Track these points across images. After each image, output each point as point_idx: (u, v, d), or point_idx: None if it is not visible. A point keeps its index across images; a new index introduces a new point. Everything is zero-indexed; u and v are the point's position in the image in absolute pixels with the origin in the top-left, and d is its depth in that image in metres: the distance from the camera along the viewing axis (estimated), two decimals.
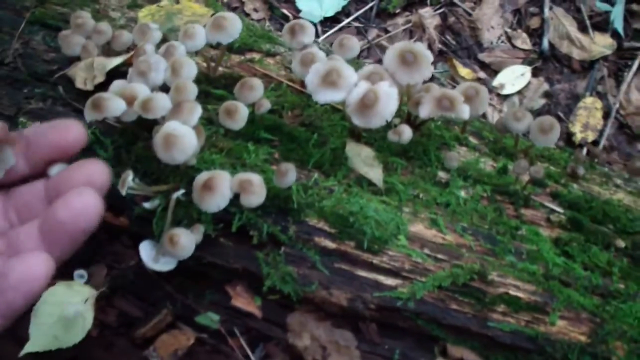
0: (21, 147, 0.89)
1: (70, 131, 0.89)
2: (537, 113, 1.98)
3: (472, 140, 1.21)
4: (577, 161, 1.20)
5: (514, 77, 2.03)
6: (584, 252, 1.07)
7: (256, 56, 1.28)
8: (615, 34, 2.09)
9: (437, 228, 1.05)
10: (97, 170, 0.85)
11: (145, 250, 0.98)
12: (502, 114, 2.00)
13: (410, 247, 1.02)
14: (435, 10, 2.13)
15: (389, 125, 1.03)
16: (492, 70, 2.05)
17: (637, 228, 1.11)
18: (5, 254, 0.80)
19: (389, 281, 1.01)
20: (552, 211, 1.12)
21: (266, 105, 1.08)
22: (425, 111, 1.03)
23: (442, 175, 1.12)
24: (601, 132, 1.95)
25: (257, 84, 1.07)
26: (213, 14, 1.23)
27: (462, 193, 1.10)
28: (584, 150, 1.92)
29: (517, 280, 1.02)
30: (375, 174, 1.07)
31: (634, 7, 2.12)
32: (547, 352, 1.00)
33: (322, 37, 2.08)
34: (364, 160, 1.08)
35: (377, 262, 1.01)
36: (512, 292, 1.02)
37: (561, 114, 1.99)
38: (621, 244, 1.08)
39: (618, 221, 1.11)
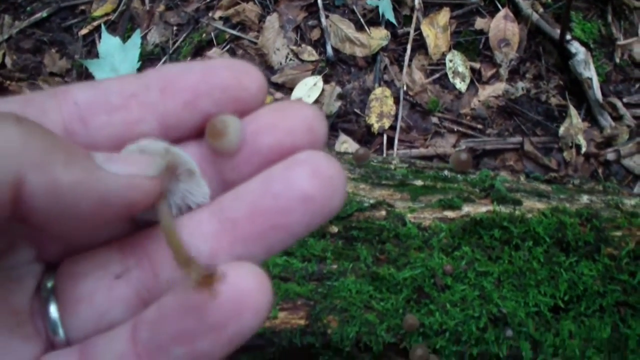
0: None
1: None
2: (335, 115, 2.13)
3: None
4: None
5: (308, 89, 2.18)
6: (302, 246, 1.20)
7: None
8: (388, 25, 2.26)
9: None
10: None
11: None
12: None
13: None
14: (222, 49, 2.28)
15: None
16: (288, 88, 2.20)
17: (348, 212, 1.24)
18: None
19: None
20: None
21: None
22: None
23: None
24: (395, 117, 2.11)
25: None
26: None
27: None
28: (384, 138, 2.08)
29: None
30: None
31: None
32: (275, 343, 1.12)
33: None
34: None
35: None
36: None
37: (357, 110, 2.14)
38: (334, 229, 1.22)
39: None
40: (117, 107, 0.41)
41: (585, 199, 1.28)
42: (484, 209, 1.21)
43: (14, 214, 0.34)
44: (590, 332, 1.09)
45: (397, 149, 2.05)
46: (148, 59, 2.33)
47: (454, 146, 2.05)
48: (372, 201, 1.24)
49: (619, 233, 1.18)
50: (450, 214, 1.22)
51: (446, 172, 1.35)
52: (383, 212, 1.22)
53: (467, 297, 1.11)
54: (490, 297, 1.10)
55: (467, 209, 1.22)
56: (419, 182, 1.31)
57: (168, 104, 0.42)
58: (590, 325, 1.10)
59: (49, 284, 0.41)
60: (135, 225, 0.43)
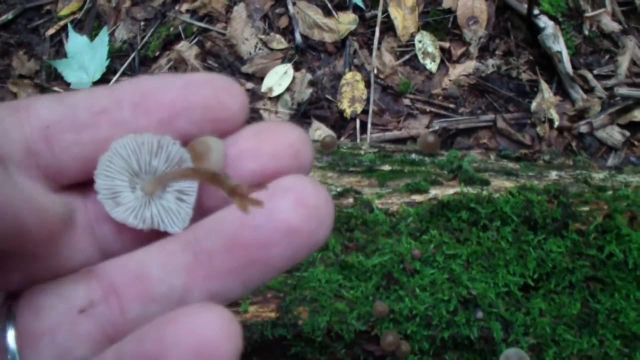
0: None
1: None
2: (307, 102, 2.12)
3: None
4: None
5: (279, 78, 2.16)
6: None
7: None
8: (356, 8, 2.25)
9: None
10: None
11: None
12: (279, 114, 2.13)
13: None
14: (191, 42, 2.25)
15: None
16: (258, 78, 2.18)
17: None
18: None
19: None
20: None
21: None
22: None
23: None
24: (367, 101, 2.10)
25: None
26: None
27: None
28: (357, 123, 2.07)
29: None
30: None
31: None
32: (246, 337, 1.12)
33: None
34: None
35: None
36: None
37: (329, 96, 2.13)
38: None
39: None
40: (85, 125, 0.38)
41: (554, 174, 1.28)
42: (451, 191, 1.21)
43: None
44: (561, 309, 1.09)
45: (371, 133, 2.04)
46: (117, 56, 2.31)
47: (427, 127, 2.05)
48: (339, 189, 1.23)
49: (586, 208, 1.18)
50: (417, 197, 1.21)
51: (414, 156, 1.34)
52: (350, 200, 1.22)
53: (436, 281, 1.10)
54: (460, 279, 1.10)
55: (434, 191, 1.22)
56: (386, 167, 1.30)
57: (141, 121, 0.38)
58: (560, 302, 1.10)
59: (10, 315, 0.38)
60: (101, 248, 0.40)
